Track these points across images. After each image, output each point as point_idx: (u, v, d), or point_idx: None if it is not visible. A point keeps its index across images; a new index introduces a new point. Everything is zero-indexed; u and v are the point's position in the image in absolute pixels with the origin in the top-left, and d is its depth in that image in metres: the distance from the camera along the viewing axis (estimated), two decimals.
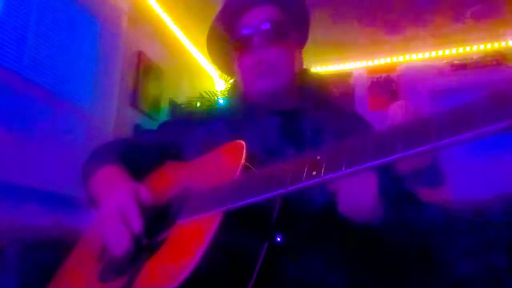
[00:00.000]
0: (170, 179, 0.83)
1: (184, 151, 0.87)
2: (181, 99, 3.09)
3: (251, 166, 0.66)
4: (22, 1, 1.87)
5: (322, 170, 0.49)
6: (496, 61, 3.32)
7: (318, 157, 0.51)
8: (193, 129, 0.91)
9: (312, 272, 0.69)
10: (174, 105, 3.02)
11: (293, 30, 0.95)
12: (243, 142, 0.69)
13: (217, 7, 0.97)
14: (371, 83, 3.64)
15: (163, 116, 2.88)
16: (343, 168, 0.47)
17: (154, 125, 2.71)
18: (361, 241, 0.72)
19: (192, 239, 0.60)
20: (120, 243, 0.64)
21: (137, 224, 0.65)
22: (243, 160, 0.66)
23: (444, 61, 3.48)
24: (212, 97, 3.06)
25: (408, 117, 0.57)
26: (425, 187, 0.65)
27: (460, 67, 3.42)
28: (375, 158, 0.45)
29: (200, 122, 0.94)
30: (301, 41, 1.02)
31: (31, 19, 1.92)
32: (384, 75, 3.63)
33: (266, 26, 0.90)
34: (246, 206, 0.58)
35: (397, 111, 0.59)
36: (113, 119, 2.31)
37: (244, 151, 0.67)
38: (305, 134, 0.84)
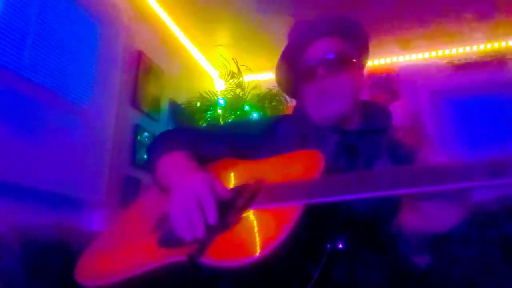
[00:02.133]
0: (236, 171, 0.88)
1: (249, 152, 0.93)
2: (181, 99, 3.08)
3: (327, 173, 0.72)
4: (22, 1, 1.87)
5: (420, 182, 0.53)
6: (496, 61, 3.32)
7: (413, 170, 0.55)
8: (260, 134, 1.00)
9: (365, 282, 0.72)
10: (174, 105, 3.02)
11: (354, 56, 1.02)
12: (320, 152, 0.76)
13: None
14: (371, 83, 3.63)
15: (163, 116, 2.88)
16: (444, 183, 0.51)
17: (154, 125, 2.72)
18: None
19: (273, 223, 0.65)
20: (194, 231, 0.67)
21: (213, 216, 0.68)
22: (323, 165, 0.72)
23: (444, 61, 3.48)
24: (212, 97, 3.06)
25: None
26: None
27: (460, 67, 3.42)
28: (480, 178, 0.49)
29: (269, 130, 1.02)
30: (363, 62, 1.09)
31: (31, 19, 1.92)
32: (384, 75, 3.63)
33: (329, 57, 0.97)
34: (322, 206, 0.63)
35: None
36: (113, 119, 2.31)
37: (324, 159, 0.74)
38: (361, 154, 0.91)
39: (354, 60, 1.01)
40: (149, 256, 0.72)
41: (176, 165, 0.87)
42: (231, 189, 0.78)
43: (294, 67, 1.04)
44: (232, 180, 0.85)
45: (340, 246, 0.68)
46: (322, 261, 0.63)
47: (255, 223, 0.68)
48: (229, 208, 0.72)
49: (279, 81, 1.12)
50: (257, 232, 0.65)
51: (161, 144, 0.97)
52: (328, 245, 0.65)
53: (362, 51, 1.07)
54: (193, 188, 0.73)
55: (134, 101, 2.54)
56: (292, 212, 0.63)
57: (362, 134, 0.96)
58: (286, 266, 0.61)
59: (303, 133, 0.98)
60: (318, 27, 1.01)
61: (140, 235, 0.83)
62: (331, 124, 0.96)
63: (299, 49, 1.01)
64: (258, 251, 0.58)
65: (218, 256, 0.62)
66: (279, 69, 1.09)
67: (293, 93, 1.13)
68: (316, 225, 0.66)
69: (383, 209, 0.78)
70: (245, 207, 0.71)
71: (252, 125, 1.11)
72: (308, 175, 0.72)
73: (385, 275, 0.74)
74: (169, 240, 0.73)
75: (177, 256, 0.66)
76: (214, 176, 0.78)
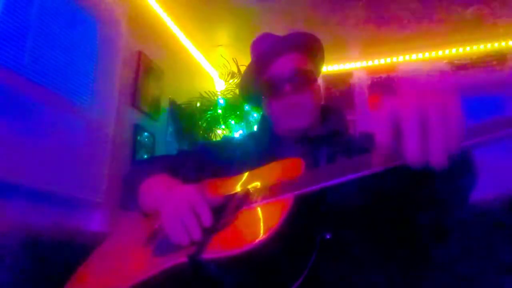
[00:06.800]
0: (221, 186, 0.88)
1: (221, 173, 0.94)
2: (181, 99, 3.08)
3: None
4: (22, 1, 1.87)
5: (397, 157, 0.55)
6: (496, 61, 3.32)
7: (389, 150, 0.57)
8: (227, 153, 1.04)
9: (352, 273, 0.74)
10: (174, 105, 3.02)
11: (314, 70, 1.09)
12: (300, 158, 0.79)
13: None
14: (371, 83, 3.63)
15: (163, 116, 2.88)
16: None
17: (154, 125, 2.72)
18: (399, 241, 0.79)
19: (267, 216, 0.67)
20: (191, 235, 0.68)
21: (208, 219, 0.69)
22: (304, 169, 0.75)
23: (444, 61, 3.48)
24: (212, 97, 3.06)
25: None
26: None
27: (460, 67, 3.42)
28: None
29: (234, 147, 1.08)
30: (319, 74, 1.16)
31: (31, 19, 1.92)
32: (384, 75, 3.63)
33: (296, 73, 1.02)
34: (312, 195, 0.66)
35: None
36: (113, 119, 2.31)
37: (304, 163, 0.76)
38: (324, 158, 0.94)
39: (314, 74, 1.08)
40: (146, 266, 0.72)
41: (161, 183, 0.87)
42: (221, 196, 0.79)
43: (258, 81, 1.08)
44: (224, 191, 0.85)
45: (328, 236, 0.70)
46: (314, 252, 0.66)
47: (249, 219, 0.69)
48: (222, 211, 0.73)
49: (243, 93, 1.17)
50: (252, 225, 0.67)
51: (139, 171, 0.97)
52: (318, 238, 0.68)
53: (319, 64, 1.15)
54: (184, 195, 0.74)
55: (134, 101, 2.53)
56: (285, 202, 0.66)
57: (322, 139, 1.00)
58: (281, 256, 0.63)
59: (268, 147, 1.03)
60: (282, 43, 1.05)
61: (132, 252, 0.83)
62: (296, 134, 1.01)
63: (265, 62, 1.05)
64: (256, 239, 0.60)
65: (217, 249, 0.64)
66: (244, 80, 1.14)
67: (257, 105, 1.19)
68: (306, 217, 0.69)
69: (378, 194, 0.79)
70: (238, 209, 0.72)
71: (220, 146, 1.15)
72: (294, 172, 0.75)
73: (374, 261, 0.77)
74: (164, 248, 0.73)
75: (176, 259, 0.66)
76: (201, 185, 0.79)
